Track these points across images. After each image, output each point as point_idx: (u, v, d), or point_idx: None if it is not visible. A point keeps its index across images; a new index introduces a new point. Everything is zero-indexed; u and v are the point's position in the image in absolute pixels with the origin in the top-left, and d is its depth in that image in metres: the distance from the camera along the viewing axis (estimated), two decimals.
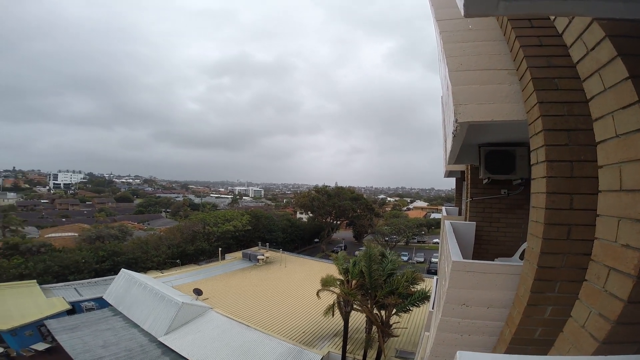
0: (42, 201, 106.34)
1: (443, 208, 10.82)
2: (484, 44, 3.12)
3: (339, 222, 63.86)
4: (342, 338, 17.49)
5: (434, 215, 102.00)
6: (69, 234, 46.55)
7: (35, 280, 25.57)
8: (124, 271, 25.10)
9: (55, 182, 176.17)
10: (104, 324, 19.94)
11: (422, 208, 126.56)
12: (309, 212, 62.92)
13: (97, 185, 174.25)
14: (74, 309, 22.89)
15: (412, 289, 15.82)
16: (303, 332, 19.47)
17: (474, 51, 3.09)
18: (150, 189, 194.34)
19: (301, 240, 58.29)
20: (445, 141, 4.45)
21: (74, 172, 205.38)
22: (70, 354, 16.46)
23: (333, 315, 17.16)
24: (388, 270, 16.20)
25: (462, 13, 1.46)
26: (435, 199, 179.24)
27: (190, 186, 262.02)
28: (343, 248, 52.99)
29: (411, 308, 15.65)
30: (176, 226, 44.48)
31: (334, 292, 17.15)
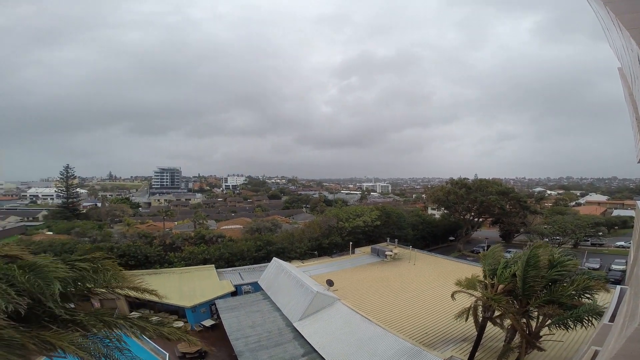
0: (218, 200, 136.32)
1: (638, 202, 7.99)
2: None
3: (481, 220, 56.65)
4: (470, 344, 15.77)
5: (617, 212, 78.40)
6: (237, 226, 57.82)
7: (213, 265, 32.83)
8: (275, 259, 29.21)
9: (226, 184, 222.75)
10: (255, 306, 23.51)
11: (598, 203, 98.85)
12: (443, 208, 58.19)
13: (254, 185, 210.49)
14: (236, 291, 27.84)
15: (581, 300, 13.00)
16: (425, 333, 18.27)
17: None
18: (293, 187, 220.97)
19: (433, 237, 54.54)
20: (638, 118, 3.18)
21: (238, 175, 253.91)
22: (227, 331, 20.04)
23: (466, 319, 15.29)
24: (551, 276, 13.28)
25: None
26: (620, 191, 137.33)
27: (324, 183, 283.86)
28: (485, 249, 46.70)
29: (571, 322, 12.56)
30: (315, 220, 48.82)
31: (473, 295, 15.28)
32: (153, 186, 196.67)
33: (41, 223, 69.63)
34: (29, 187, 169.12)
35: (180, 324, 23.83)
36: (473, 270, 19.16)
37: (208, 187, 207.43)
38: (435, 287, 25.36)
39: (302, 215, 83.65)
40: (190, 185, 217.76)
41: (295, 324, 19.82)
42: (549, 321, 13.36)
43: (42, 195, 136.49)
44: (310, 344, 17.68)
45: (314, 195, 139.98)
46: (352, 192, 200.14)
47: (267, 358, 16.83)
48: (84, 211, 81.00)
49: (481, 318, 14.92)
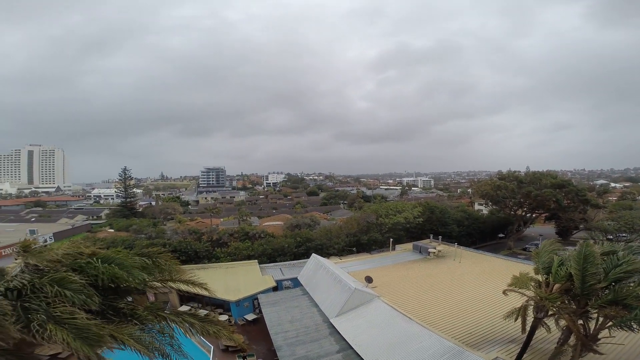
0: (260, 197, 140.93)
1: None
2: None
3: (534, 215, 52.55)
4: (517, 345, 14.97)
5: None
6: (277, 222, 59.43)
7: (256, 261, 34.00)
8: (314, 256, 29.55)
9: (267, 181, 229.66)
10: (294, 302, 23.92)
11: None
12: (492, 203, 54.85)
13: (293, 182, 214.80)
14: (277, 286, 28.52)
15: None
16: (469, 333, 17.40)
17: None
18: (330, 183, 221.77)
19: (480, 234, 51.61)
20: None
21: (278, 173, 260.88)
22: (268, 325, 20.56)
23: (516, 319, 14.35)
24: (615, 274, 12.02)
25: None
26: None
27: (362, 179, 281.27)
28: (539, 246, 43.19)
29: (636, 325, 11.26)
30: (353, 217, 48.61)
31: (524, 295, 14.37)
32: (200, 185, 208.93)
33: (104, 221, 77.04)
34: (93, 189, 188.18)
35: (224, 317, 25.04)
36: (523, 268, 17.90)
37: (250, 185, 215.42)
38: (481, 286, 24.10)
39: (339, 212, 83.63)
40: (234, 183, 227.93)
41: (332, 320, 19.94)
42: (610, 323, 12.13)
43: (104, 196, 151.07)
44: (346, 341, 17.68)
45: (352, 191, 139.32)
46: (391, 187, 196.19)
47: (303, 353, 17.12)
48: (140, 210, 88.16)
49: (532, 318, 14.05)
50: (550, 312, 13.58)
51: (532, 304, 14.01)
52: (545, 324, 13.72)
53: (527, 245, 48.05)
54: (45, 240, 48.37)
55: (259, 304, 24.63)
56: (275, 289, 27.97)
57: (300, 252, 36.45)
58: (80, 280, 8.51)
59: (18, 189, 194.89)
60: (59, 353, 14.35)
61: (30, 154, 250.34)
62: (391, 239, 37.66)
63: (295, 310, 22.31)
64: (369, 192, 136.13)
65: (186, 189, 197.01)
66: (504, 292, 14.99)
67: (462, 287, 24.24)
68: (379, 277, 25.65)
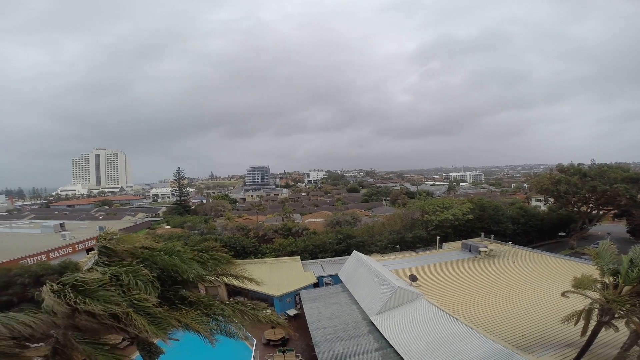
0: (302, 194, 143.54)
1: None
2: None
3: (600, 212, 47.27)
4: (573, 350, 14.08)
5: None
6: (319, 219, 60.15)
7: (299, 257, 34.78)
8: (355, 252, 29.48)
9: (308, 179, 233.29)
10: (334, 298, 24.07)
11: None
12: (551, 199, 50.31)
13: (334, 179, 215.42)
14: (318, 282, 28.92)
15: None
16: (522, 335, 16.40)
17: None
18: (371, 180, 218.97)
19: (538, 233, 47.54)
20: None
21: (318, 170, 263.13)
22: (308, 321, 20.93)
23: (576, 323, 13.25)
24: None
25: None
26: None
27: (405, 175, 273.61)
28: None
29: None
30: (396, 214, 47.56)
31: (588, 297, 13.34)
32: (247, 183, 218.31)
33: (161, 218, 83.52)
34: (151, 188, 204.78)
35: (268, 311, 26.19)
36: (585, 269, 16.31)
37: (293, 183, 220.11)
38: (537, 287, 22.49)
39: (382, 208, 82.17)
40: (278, 181, 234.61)
41: (372, 318, 19.76)
42: None
43: (161, 195, 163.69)
44: (385, 339, 17.43)
45: (395, 188, 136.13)
46: (437, 183, 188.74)
47: (341, 349, 17.19)
48: (193, 207, 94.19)
49: (595, 322, 13.04)
50: (616, 316, 12.64)
51: (597, 306, 13.05)
52: (614, 325, 12.67)
53: (592, 245, 43.35)
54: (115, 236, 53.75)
55: (300, 299, 25.17)
56: (316, 285, 28.39)
57: (341, 249, 36.53)
58: (148, 272, 9.38)
59: (88, 189, 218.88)
60: (119, 342, 15.76)
61: (97, 157, 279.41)
62: (438, 237, 36.23)
63: (334, 307, 22.49)
64: (413, 188, 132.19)
65: (234, 187, 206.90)
66: (564, 294, 14.03)
67: (514, 287, 22.79)
68: (424, 276, 24.90)
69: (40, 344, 20.40)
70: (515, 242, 34.16)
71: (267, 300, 26.74)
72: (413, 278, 23.28)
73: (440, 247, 35.79)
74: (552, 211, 51.67)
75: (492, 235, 35.61)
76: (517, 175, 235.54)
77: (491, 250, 31.22)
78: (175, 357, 12.76)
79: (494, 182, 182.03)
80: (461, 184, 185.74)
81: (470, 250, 32.37)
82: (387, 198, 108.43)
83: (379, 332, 18.26)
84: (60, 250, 38.00)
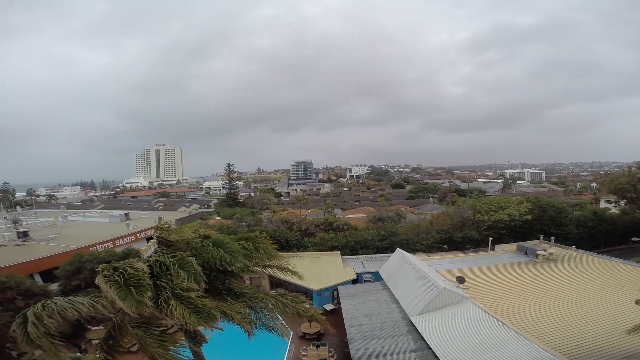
0: (343, 189, 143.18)
1: None
2: None
3: None
4: None
5: None
6: (361, 215, 59.53)
7: (339, 252, 34.73)
8: (398, 250, 28.71)
9: (350, 174, 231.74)
10: (373, 296, 23.60)
11: None
12: (626, 201, 44.42)
13: (377, 174, 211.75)
14: (357, 278, 28.59)
15: None
16: (575, 345, 14.97)
17: None
18: (418, 176, 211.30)
19: (608, 237, 42.16)
20: None
21: (361, 165, 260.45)
22: (344, 317, 20.71)
23: None
24: None
25: None
26: None
27: (455, 171, 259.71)
28: None
29: None
30: (445, 212, 45.30)
31: None
32: (291, 177, 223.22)
33: (213, 210, 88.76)
34: (204, 181, 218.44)
35: (307, 305, 26.57)
36: None
37: (335, 178, 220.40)
38: (600, 294, 20.34)
39: (428, 206, 78.90)
40: (320, 175, 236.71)
41: (412, 318, 19.07)
42: None
43: (213, 187, 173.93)
44: (424, 340, 16.70)
45: (443, 184, 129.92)
46: (491, 180, 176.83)
47: (376, 348, 16.81)
48: (241, 200, 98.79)
49: None
50: None
51: None
52: None
53: None
54: (169, 227, 58.39)
55: (338, 294, 25.12)
56: (355, 281, 28.17)
57: (384, 246, 35.74)
58: (194, 263, 9.88)
59: (149, 182, 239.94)
60: (169, 328, 16.98)
61: (157, 152, 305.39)
62: (490, 238, 33.85)
63: (373, 305, 22.09)
64: (463, 186, 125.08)
65: (279, 181, 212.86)
66: (638, 302, 12.61)
67: (573, 294, 20.79)
68: (473, 278, 23.48)
69: (100, 326, 22.72)
70: (579, 247, 30.75)
71: (306, 293, 27.09)
72: (460, 280, 22.05)
73: (492, 249, 33.45)
74: (625, 214, 45.65)
75: (553, 238, 32.41)
76: (583, 173, 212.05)
77: (550, 254, 28.46)
78: (217, 344, 13.39)
79: (556, 181, 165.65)
80: (518, 181, 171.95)
81: (526, 253, 29.83)
82: (435, 195, 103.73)
83: (418, 332, 17.61)
84: (124, 238, 41.86)
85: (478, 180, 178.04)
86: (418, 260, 26.27)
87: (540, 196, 51.67)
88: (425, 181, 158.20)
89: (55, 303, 8.43)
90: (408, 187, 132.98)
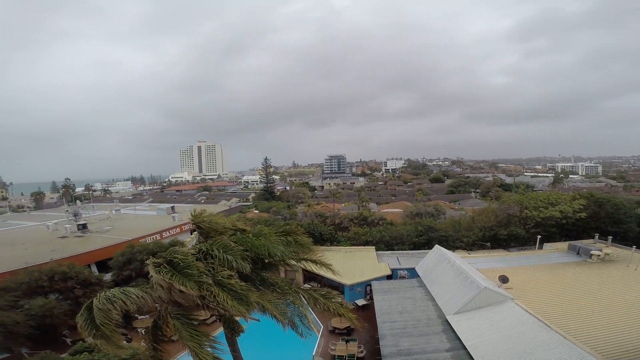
0: (378, 183, 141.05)
1: None
2: None
3: None
4: None
5: None
6: (397, 210, 58.37)
7: (374, 247, 34.23)
8: (437, 247, 27.79)
9: (386, 167, 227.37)
10: (408, 292, 23.02)
11: None
12: None
13: (414, 168, 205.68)
14: (392, 274, 28.03)
15: None
16: (624, 351, 14.07)
17: None
18: (458, 169, 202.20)
19: None
20: None
21: (397, 159, 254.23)
22: (377, 312, 20.38)
23: None
24: None
25: None
26: None
27: (500, 165, 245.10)
28: None
29: None
30: (489, 207, 43.00)
31: None
32: (324, 171, 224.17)
33: (251, 203, 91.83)
34: (243, 175, 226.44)
35: (339, 300, 26.60)
36: None
37: (369, 171, 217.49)
38: None
39: (470, 201, 75.24)
40: (354, 169, 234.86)
41: (448, 317, 18.38)
42: None
43: (251, 181, 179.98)
44: (459, 340, 16.03)
45: (486, 178, 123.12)
46: (539, 174, 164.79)
47: (407, 345, 16.45)
48: (278, 194, 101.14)
49: None
50: None
51: None
52: None
53: None
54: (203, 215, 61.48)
55: (371, 290, 24.84)
56: (389, 277, 27.71)
57: (421, 242, 34.71)
58: (239, 247, 10.27)
59: (192, 176, 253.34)
60: (207, 318, 17.55)
61: (199, 148, 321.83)
62: (539, 237, 31.59)
63: (407, 302, 21.59)
64: (508, 180, 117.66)
65: (312, 175, 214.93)
66: None
67: (632, 299, 18.93)
68: (517, 278, 22.12)
69: (146, 316, 24.10)
70: None
71: (338, 288, 27.06)
72: (503, 279, 20.89)
73: (540, 248, 31.23)
74: None
75: (610, 238, 29.55)
76: None
77: (607, 254, 25.99)
78: (252, 336, 13.85)
79: (614, 175, 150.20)
80: (570, 176, 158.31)
81: (578, 253, 27.52)
82: (477, 190, 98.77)
83: (454, 332, 16.97)
84: (170, 230, 44.49)
85: (525, 174, 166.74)
86: (458, 258, 25.29)
87: (596, 192, 47.21)
88: (466, 175, 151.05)
89: (114, 294, 9.09)
90: (448, 181, 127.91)
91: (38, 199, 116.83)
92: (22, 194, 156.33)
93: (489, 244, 34.51)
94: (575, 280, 22.45)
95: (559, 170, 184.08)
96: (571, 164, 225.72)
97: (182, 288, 8.48)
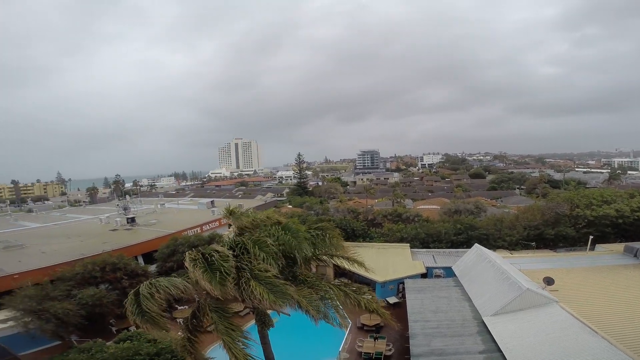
0: (414, 178, 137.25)
1: None
2: None
3: None
4: None
5: None
6: (433, 206, 56.47)
7: (408, 244, 33.37)
8: (477, 246, 26.60)
9: (422, 163, 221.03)
10: (444, 292, 22.22)
11: None
12: None
13: (452, 163, 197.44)
14: (427, 273, 27.22)
15: None
16: None
17: None
18: (501, 164, 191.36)
19: None
20: None
21: (434, 153, 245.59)
22: (409, 311, 19.80)
23: None
24: None
25: None
26: None
27: (547, 160, 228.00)
28: None
29: None
30: (535, 205, 40.28)
31: None
32: (357, 167, 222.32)
33: (284, 198, 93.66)
34: (277, 171, 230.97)
35: (369, 297, 26.35)
36: None
37: (404, 167, 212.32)
38: None
39: (514, 198, 70.86)
40: (388, 165, 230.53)
41: (485, 319, 17.50)
42: None
43: (285, 177, 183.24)
44: (495, 343, 15.23)
45: (532, 174, 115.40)
46: (592, 170, 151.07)
47: (439, 346, 15.93)
48: (310, 189, 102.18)
49: None
50: None
51: None
52: None
53: None
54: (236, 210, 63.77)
55: (403, 288, 24.34)
56: (424, 275, 26.99)
57: (459, 241, 33.32)
58: (272, 244, 10.55)
59: (230, 172, 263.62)
60: (241, 311, 17.80)
61: (236, 145, 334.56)
62: (591, 237, 29.11)
63: (442, 301, 20.89)
64: (557, 176, 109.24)
65: (345, 171, 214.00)
66: None
67: None
68: (564, 280, 20.70)
69: (185, 307, 25.30)
70: None
71: (369, 284, 26.85)
72: (549, 281, 19.54)
73: (592, 249, 28.82)
74: None
75: None
76: None
77: None
78: (280, 330, 14.15)
79: None
80: (629, 172, 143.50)
81: (635, 255, 25.07)
82: (522, 186, 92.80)
83: (490, 334, 16.18)
84: (210, 224, 46.62)
85: (576, 169, 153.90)
86: (499, 258, 24.09)
87: None
88: (510, 170, 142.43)
89: (159, 282, 9.65)
90: (489, 177, 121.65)
91: (92, 194, 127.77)
92: (78, 189, 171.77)
93: (534, 243, 32.41)
94: (630, 284, 20.49)
95: (616, 166, 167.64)
96: (630, 159, 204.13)
97: (206, 286, 8.75)
